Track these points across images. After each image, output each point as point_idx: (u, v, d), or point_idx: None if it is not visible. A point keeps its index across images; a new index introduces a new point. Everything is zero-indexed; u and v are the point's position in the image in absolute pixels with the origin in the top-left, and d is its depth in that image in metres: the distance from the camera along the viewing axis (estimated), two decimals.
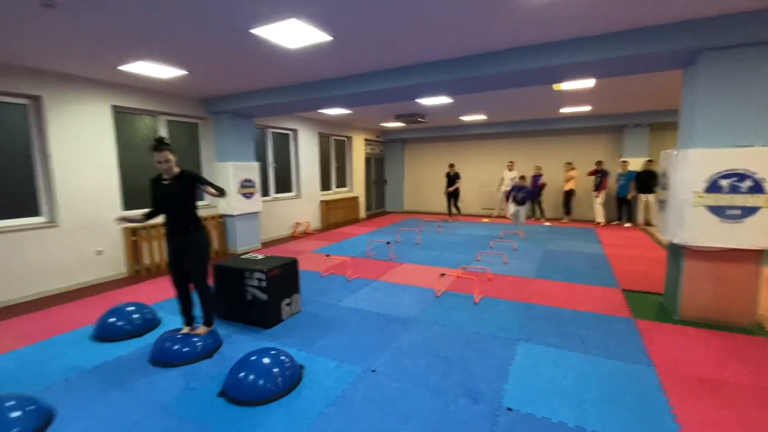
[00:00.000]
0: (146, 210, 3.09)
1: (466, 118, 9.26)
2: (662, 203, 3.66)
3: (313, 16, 2.98)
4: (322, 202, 9.30)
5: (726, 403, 2.25)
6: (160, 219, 3.04)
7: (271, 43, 3.56)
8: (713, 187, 3.13)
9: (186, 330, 3.05)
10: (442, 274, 4.67)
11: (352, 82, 4.85)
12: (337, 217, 9.81)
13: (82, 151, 4.75)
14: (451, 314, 3.66)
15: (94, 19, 2.95)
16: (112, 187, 5.08)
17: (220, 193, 2.95)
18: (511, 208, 8.12)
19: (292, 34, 3.29)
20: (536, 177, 9.62)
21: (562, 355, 2.84)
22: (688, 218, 3.24)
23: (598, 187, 8.89)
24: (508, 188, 9.24)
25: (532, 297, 4.08)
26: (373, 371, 2.67)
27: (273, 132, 8.02)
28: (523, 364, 2.73)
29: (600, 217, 8.99)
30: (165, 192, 2.89)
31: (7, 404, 2.11)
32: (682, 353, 2.85)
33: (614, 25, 3.25)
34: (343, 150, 10.53)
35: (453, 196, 9.79)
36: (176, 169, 2.92)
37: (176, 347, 2.86)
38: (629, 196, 8.50)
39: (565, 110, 8.15)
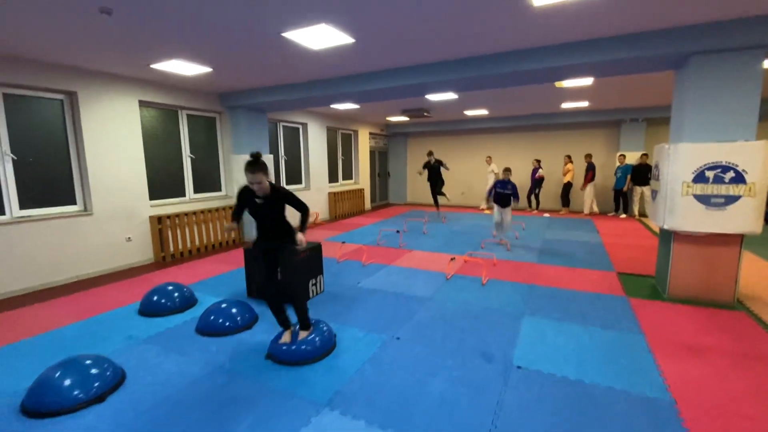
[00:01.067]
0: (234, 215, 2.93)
1: (470, 113, 9.56)
2: (654, 193, 4.01)
3: (340, 22, 3.29)
4: (329, 193, 9.62)
5: (705, 363, 2.62)
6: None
7: (298, 45, 3.85)
8: (700, 178, 3.48)
9: (287, 337, 2.82)
10: (452, 258, 5.03)
11: (366, 79, 5.15)
12: (343, 208, 10.14)
13: (112, 144, 5.05)
14: (462, 294, 4.02)
15: (139, 23, 3.24)
16: (140, 177, 5.39)
17: (302, 211, 2.82)
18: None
19: (319, 36, 3.59)
20: (534, 170, 10.03)
21: (564, 326, 3.20)
22: (677, 206, 3.59)
23: (585, 180, 9.40)
24: (489, 185, 9.65)
25: (534, 279, 4.45)
26: (397, 339, 3.02)
27: (284, 126, 8.32)
28: (529, 333, 3.10)
29: (587, 208, 9.51)
30: (259, 210, 2.75)
31: (86, 363, 2.45)
32: (669, 324, 3.22)
33: (613, 30, 3.57)
34: (349, 143, 10.83)
35: (435, 187, 8.86)
36: (267, 187, 2.68)
37: (220, 320, 3.21)
38: (625, 189, 8.88)
39: (566, 105, 8.47)
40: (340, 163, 10.44)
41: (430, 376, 2.49)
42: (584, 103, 8.20)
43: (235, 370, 2.62)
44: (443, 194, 8.96)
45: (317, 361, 2.70)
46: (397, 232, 6.92)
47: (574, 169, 9.64)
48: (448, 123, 11.11)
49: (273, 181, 2.78)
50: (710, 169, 3.44)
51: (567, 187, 9.72)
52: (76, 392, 2.26)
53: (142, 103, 5.45)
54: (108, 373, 2.45)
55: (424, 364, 2.65)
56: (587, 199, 9.55)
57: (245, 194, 2.77)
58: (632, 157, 8.99)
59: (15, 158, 4.32)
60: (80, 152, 4.80)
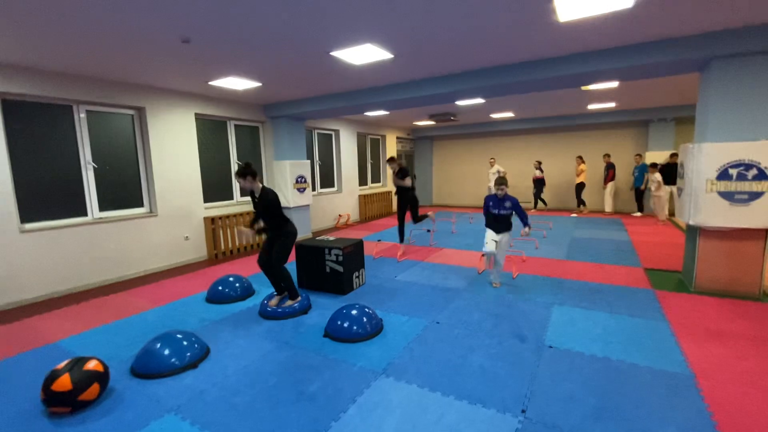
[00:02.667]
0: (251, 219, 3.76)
1: (496, 116, 9.80)
2: (680, 191, 4.19)
3: (384, 41, 3.69)
4: (360, 196, 10.06)
5: (726, 345, 2.83)
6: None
7: (341, 61, 4.28)
8: (724, 176, 3.67)
9: (275, 300, 3.74)
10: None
11: (400, 88, 5.53)
12: (372, 210, 10.56)
13: (173, 153, 5.65)
14: (493, 286, 4.31)
15: (208, 48, 3.74)
16: (196, 182, 5.98)
17: (274, 225, 3.60)
18: (489, 240, 4.16)
19: (362, 54, 4.01)
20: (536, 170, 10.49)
21: (592, 314, 3.46)
22: (702, 203, 3.78)
23: (606, 179, 9.61)
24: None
25: (562, 274, 4.69)
26: (437, 323, 3.37)
27: (319, 132, 8.83)
28: (559, 319, 3.38)
29: (609, 207, 9.71)
30: (255, 207, 3.60)
31: (178, 336, 2.93)
32: (694, 313, 3.42)
33: (638, 38, 3.80)
34: (377, 148, 11.26)
35: (403, 198, 5.96)
36: (258, 188, 3.52)
37: (280, 306, 3.65)
38: (643, 187, 9.07)
39: (593, 107, 8.59)
40: (369, 167, 10.88)
41: (470, 352, 2.83)
42: (611, 104, 8.30)
43: (298, 345, 3.04)
44: (422, 218, 6.06)
45: (368, 339, 3.09)
46: (428, 231, 7.25)
47: (586, 169, 9.84)
48: (473, 126, 11.36)
49: (263, 186, 3.56)
50: (733, 167, 3.62)
51: (580, 187, 9.88)
52: (173, 360, 2.73)
53: (198, 116, 6.05)
54: (196, 346, 2.91)
55: (463, 342, 2.99)
56: (608, 198, 9.73)
57: (252, 196, 3.61)
58: (660, 157, 8.99)
59: (95, 167, 4.95)
60: (147, 160, 5.41)
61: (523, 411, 2.15)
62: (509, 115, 9.67)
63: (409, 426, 2.06)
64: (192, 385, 2.52)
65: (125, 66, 4.28)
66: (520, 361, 2.70)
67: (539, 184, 10.55)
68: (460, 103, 7.34)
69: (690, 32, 3.65)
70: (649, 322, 3.27)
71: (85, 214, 4.89)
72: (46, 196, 4.55)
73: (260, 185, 3.53)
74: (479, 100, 7.05)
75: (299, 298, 3.74)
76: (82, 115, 4.78)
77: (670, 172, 8.48)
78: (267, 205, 3.48)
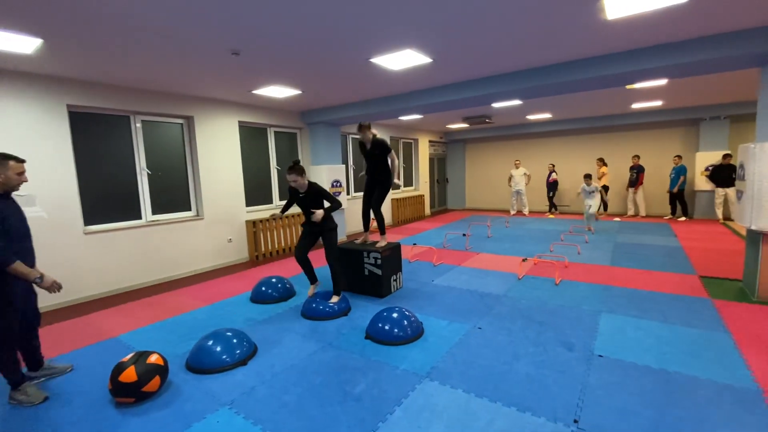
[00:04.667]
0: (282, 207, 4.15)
1: (532, 117, 9.58)
2: (740, 194, 3.93)
3: (424, 46, 3.71)
4: (393, 199, 10.11)
5: None
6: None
7: (380, 67, 4.35)
8: None
9: (312, 290, 4.03)
10: (524, 259, 5.22)
11: (437, 92, 5.54)
12: (405, 214, 10.58)
13: (218, 159, 5.92)
14: (535, 292, 4.21)
15: (254, 59, 3.91)
16: (238, 187, 6.24)
17: (332, 203, 3.74)
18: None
19: (401, 59, 4.05)
20: (549, 174, 10.42)
21: (643, 323, 3.30)
22: (765, 206, 3.52)
23: (635, 182, 9.30)
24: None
25: (608, 280, 4.50)
26: (479, 328, 3.33)
27: (353, 138, 8.97)
28: (608, 328, 3.24)
29: (643, 210, 9.46)
30: (301, 202, 3.83)
31: (228, 334, 3.06)
32: (758, 324, 3.18)
33: (691, 33, 3.62)
34: (410, 151, 11.28)
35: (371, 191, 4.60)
36: (304, 184, 3.73)
37: (321, 307, 3.73)
38: (674, 190, 8.75)
39: (637, 106, 8.21)
40: (401, 171, 10.91)
41: (514, 359, 2.78)
42: (657, 103, 7.90)
43: (341, 346, 3.10)
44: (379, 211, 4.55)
45: (410, 343, 3.10)
46: (464, 235, 7.18)
47: (608, 172, 9.53)
48: (507, 128, 11.15)
49: (311, 181, 3.79)
50: None
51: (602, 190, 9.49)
52: (224, 357, 2.86)
53: (241, 123, 6.32)
54: (245, 344, 3.03)
55: (507, 349, 2.94)
56: (640, 201, 9.46)
57: (292, 192, 3.84)
58: (713, 158, 8.45)
59: (149, 173, 5.28)
60: (195, 166, 5.71)
61: (575, 421, 2.09)
62: (547, 116, 9.42)
63: (458, 430, 2.05)
64: (243, 382, 2.63)
65: (177, 78, 4.55)
66: (569, 369, 2.62)
67: (553, 187, 10.49)
68: (496, 105, 7.23)
69: (750, 25, 3.43)
70: (708, 332, 3.08)
71: (140, 218, 5.22)
72: (106, 200, 4.90)
73: (307, 181, 3.77)
74: (516, 102, 6.92)
75: (339, 297, 3.88)
76: (138, 125, 5.12)
77: (725, 174, 7.96)
78: (321, 191, 3.75)
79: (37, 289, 2.54)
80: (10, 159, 2.41)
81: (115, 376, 2.39)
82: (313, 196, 3.77)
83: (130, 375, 2.37)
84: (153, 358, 2.51)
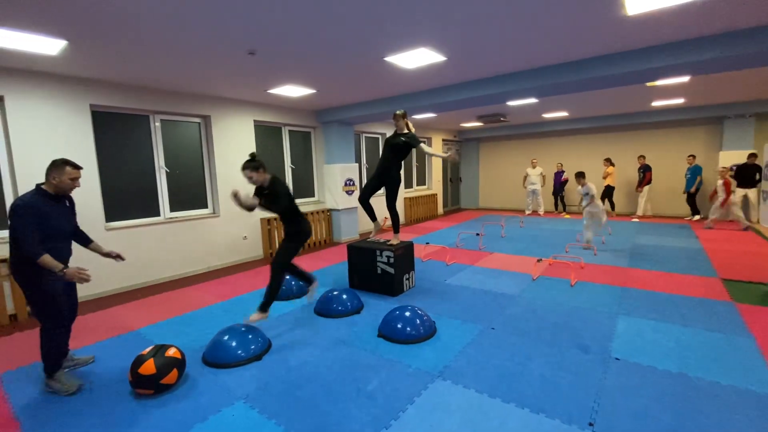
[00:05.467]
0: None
1: (548, 115, 9.43)
2: (766, 194, 3.79)
3: (438, 45, 3.70)
4: (405, 199, 10.09)
5: None
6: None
7: (394, 65, 4.34)
8: None
9: (311, 289, 3.73)
10: (539, 260, 5.15)
11: (452, 90, 5.50)
12: (418, 213, 10.55)
13: (234, 157, 6.01)
14: (550, 293, 4.15)
15: (270, 59, 3.95)
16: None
17: (279, 203, 3.24)
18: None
19: (416, 58, 4.04)
20: (559, 173, 10.33)
21: (662, 326, 3.23)
22: None
23: (641, 182, 9.15)
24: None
25: (626, 282, 4.41)
26: (492, 329, 3.31)
27: (366, 136, 8.99)
28: (625, 330, 3.18)
29: (641, 210, 9.34)
30: (266, 201, 3.30)
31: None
32: None
33: (717, 29, 3.50)
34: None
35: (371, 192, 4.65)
36: (264, 180, 3.26)
37: (334, 305, 3.76)
38: (692, 190, 8.60)
39: (657, 103, 8.01)
40: (414, 170, 10.89)
41: (528, 360, 2.75)
42: (679, 100, 7.69)
43: (354, 344, 3.11)
44: (395, 211, 4.65)
45: (422, 342, 3.10)
46: (477, 234, 7.13)
47: (614, 172, 9.44)
48: (522, 126, 11.00)
49: (272, 176, 3.28)
50: None
51: (607, 190, 9.33)
52: (239, 352, 2.91)
53: (256, 122, 6.40)
54: (260, 339, 3.08)
55: (521, 350, 2.91)
56: (641, 201, 9.32)
57: (256, 191, 3.37)
58: (737, 157, 8.16)
59: (168, 170, 5.40)
60: (211, 164, 5.81)
61: (590, 424, 2.06)
62: (563, 114, 9.27)
63: (470, 430, 2.05)
64: (258, 377, 2.67)
65: (195, 78, 4.63)
66: (584, 372, 2.58)
67: (563, 187, 10.52)
68: (512, 103, 7.14)
69: None
70: (731, 337, 2.99)
71: (158, 215, 5.35)
72: (126, 197, 5.03)
73: (268, 176, 3.28)
74: (532, 100, 6.83)
75: (266, 315, 3.38)
76: (157, 124, 5.24)
77: (748, 174, 7.69)
78: (277, 192, 3.22)
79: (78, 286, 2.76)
80: (67, 165, 2.51)
81: (135, 368, 2.46)
82: (274, 197, 3.26)
83: (149, 367, 2.44)
84: (171, 352, 2.58)
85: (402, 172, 9.57)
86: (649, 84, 5.71)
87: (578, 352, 2.84)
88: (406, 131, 4.22)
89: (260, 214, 6.45)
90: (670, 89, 6.46)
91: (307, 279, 3.72)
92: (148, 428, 2.16)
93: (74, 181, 2.56)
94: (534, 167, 10.56)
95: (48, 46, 3.29)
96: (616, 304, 3.75)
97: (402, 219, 10.01)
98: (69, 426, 2.20)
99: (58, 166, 2.49)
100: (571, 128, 10.37)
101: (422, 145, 4.14)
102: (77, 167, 2.57)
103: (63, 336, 2.59)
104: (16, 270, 2.43)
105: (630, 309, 3.62)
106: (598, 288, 4.25)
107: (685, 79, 5.38)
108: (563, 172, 10.41)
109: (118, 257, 2.91)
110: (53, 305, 2.48)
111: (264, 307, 3.35)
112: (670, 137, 9.67)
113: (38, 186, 2.51)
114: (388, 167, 4.39)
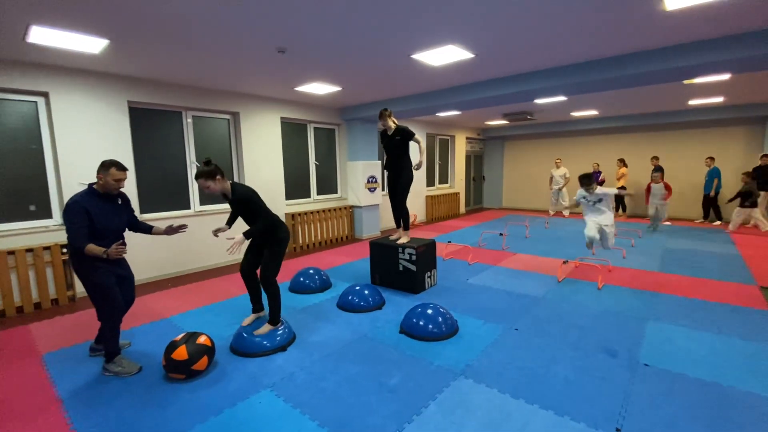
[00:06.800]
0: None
1: (577, 114, 9.19)
2: None
3: (466, 42, 3.67)
4: (427, 197, 10.06)
5: None
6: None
7: (421, 63, 4.33)
8: None
9: (249, 319, 3.17)
10: (565, 261, 5.05)
11: (477, 88, 5.44)
12: (439, 211, 10.50)
13: (261, 153, 6.15)
14: (576, 296, 4.07)
15: (299, 57, 4.02)
16: (279, 180, 6.46)
17: (257, 225, 2.94)
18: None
19: (443, 55, 4.02)
20: (596, 174, 9.93)
21: (695, 333, 3.11)
22: None
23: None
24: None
25: (656, 287, 4.27)
26: (516, 329, 3.28)
27: None
28: (655, 336, 3.09)
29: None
30: (234, 209, 3.21)
31: None
32: None
33: (760, 23, 3.33)
34: (446, 148, 11.16)
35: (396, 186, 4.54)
36: (225, 189, 2.92)
37: (356, 299, 3.81)
38: (711, 194, 8.37)
39: (695, 102, 7.66)
40: (437, 168, 10.83)
41: (552, 363, 2.71)
42: (718, 99, 7.33)
43: (376, 339, 3.15)
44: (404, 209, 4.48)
45: (444, 339, 3.10)
46: (500, 234, 7.04)
47: (627, 173, 9.31)
48: (549, 125, 10.74)
49: (233, 182, 2.92)
50: None
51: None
52: (265, 342, 2.99)
53: (283, 119, 6.52)
54: (285, 330, 3.16)
55: (545, 352, 2.87)
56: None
57: (226, 199, 2.99)
58: None
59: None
60: (239, 160, 5.97)
61: (618, 430, 2.02)
62: (593, 113, 9.00)
63: (492, 429, 2.05)
64: (283, 367, 2.75)
65: (226, 76, 4.77)
66: (611, 377, 2.52)
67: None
68: (539, 101, 7.00)
69: None
70: None
71: (189, 208, 5.54)
72: (159, 190, 5.24)
73: (229, 183, 2.91)
74: (561, 98, 6.66)
75: (281, 325, 3.12)
76: (189, 120, 5.42)
77: (764, 176, 7.36)
78: (244, 200, 2.89)
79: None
80: (113, 166, 2.66)
81: (169, 354, 2.57)
82: (243, 205, 2.96)
83: (181, 353, 2.55)
84: (202, 339, 2.68)
85: (423, 170, 9.53)
86: (686, 81, 5.47)
87: (605, 357, 2.78)
88: (393, 127, 4.24)
89: (285, 208, 6.58)
90: (709, 87, 6.17)
91: (258, 303, 3.27)
92: (180, 411, 2.26)
93: (119, 182, 2.70)
94: (558, 167, 10.30)
95: (91, 44, 3.45)
96: (646, 309, 3.64)
97: (422, 217, 10.00)
98: (108, 405, 2.33)
99: (105, 166, 2.64)
100: (600, 127, 10.04)
101: (416, 135, 4.23)
102: (123, 169, 2.70)
103: (119, 321, 2.75)
104: (73, 264, 2.63)
105: (660, 314, 3.51)
106: (626, 292, 4.13)
107: (726, 76, 5.13)
108: (600, 173, 10.05)
109: (180, 228, 3.14)
110: (107, 296, 2.65)
111: (274, 321, 3.10)
112: (708, 138, 9.24)
113: (90, 185, 2.69)
114: (398, 169, 4.38)
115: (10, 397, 2.44)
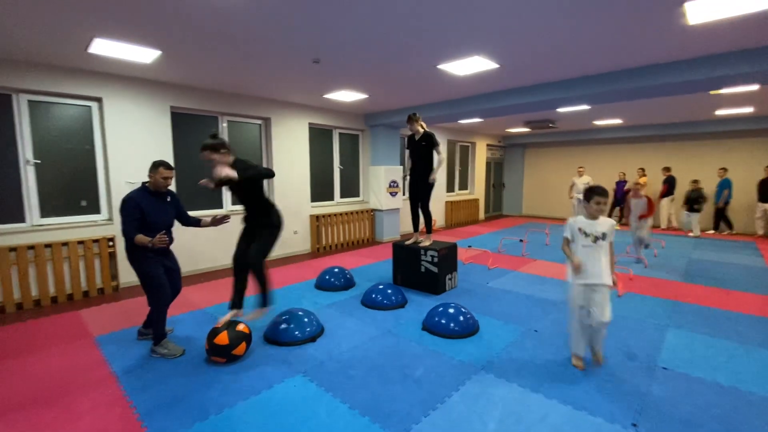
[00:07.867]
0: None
1: (600, 123, 9.16)
2: None
3: (493, 53, 3.83)
4: (446, 202, 10.18)
5: None
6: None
7: (447, 73, 4.51)
8: None
9: (226, 317, 2.99)
10: None
11: (500, 96, 5.57)
12: (459, 217, 10.59)
13: (290, 157, 6.44)
14: None
15: (331, 67, 4.26)
16: (305, 183, 6.73)
17: (261, 171, 2.93)
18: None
19: (468, 65, 4.19)
20: (621, 183, 9.93)
21: (715, 341, 3.15)
22: None
23: (661, 194, 9.25)
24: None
25: (678, 296, 4.28)
26: (535, 331, 3.38)
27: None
28: (675, 342, 3.14)
29: (664, 222, 9.46)
30: (233, 190, 3.14)
31: (300, 314, 3.40)
32: None
33: None
34: (466, 155, 11.26)
35: (418, 190, 4.73)
36: (227, 163, 2.91)
37: (380, 297, 3.99)
38: (719, 204, 8.49)
39: (722, 112, 7.56)
40: (457, 174, 10.94)
41: (571, 362, 2.81)
42: (748, 109, 7.21)
43: (400, 334, 3.31)
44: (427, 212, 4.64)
45: (465, 338, 3.23)
46: (521, 241, 7.09)
47: (647, 182, 9.27)
48: (572, 133, 10.72)
49: (239, 158, 2.93)
50: None
51: None
52: (297, 333, 3.20)
53: (311, 125, 6.80)
54: (314, 323, 3.36)
55: (564, 352, 2.96)
56: (662, 212, 9.36)
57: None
58: None
59: None
60: (269, 162, 6.26)
61: (634, 425, 2.11)
62: (617, 122, 8.96)
63: (513, 419, 2.18)
64: (314, 356, 2.94)
65: (261, 84, 5.07)
66: (629, 378, 2.61)
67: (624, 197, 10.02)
68: (562, 109, 7.06)
69: None
70: None
71: (221, 206, 5.85)
72: (194, 190, 5.55)
73: (232, 158, 2.93)
74: (584, 107, 6.71)
75: (268, 309, 3.17)
76: (224, 125, 5.75)
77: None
78: (245, 168, 2.84)
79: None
80: (161, 165, 2.94)
81: (211, 338, 2.80)
82: (245, 180, 2.85)
83: (223, 338, 2.77)
84: (240, 327, 2.91)
85: (444, 176, 9.66)
86: (712, 92, 5.46)
87: (624, 359, 2.86)
88: (421, 131, 4.43)
89: (310, 210, 6.83)
90: (737, 97, 6.12)
91: (239, 299, 3.22)
92: (223, 390, 2.48)
93: (166, 180, 2.97)
94: (580, 176, 10.17)
95: (145, 55, 3.78)
96: (666, 317, 3.68)
97: (441, 222, 10.11)
98: (159, 383, 2.57)
99: (155, 166, 2.93)
100: (624, 136, 9.96)
101: (440, 147, 4.41)
102: (170, 168, 2.98)
103: (167, 307, 3.00)
104: (128, 255, 2.92)
105: (681, 322, 3.54)
106: (647, 300, 4.16)
107: (755, 87, 5.10)
108: (626, 182, 9.77)
109: (224, 219, 3.33)
110: (156, 284, 2.92)
111: (265, 302, 3.15)
112: (735, 148, 9.07)
113: (143, 183, 2.98)
114: (421, 173, 4.52)
115: (71, 372, 2.71)
